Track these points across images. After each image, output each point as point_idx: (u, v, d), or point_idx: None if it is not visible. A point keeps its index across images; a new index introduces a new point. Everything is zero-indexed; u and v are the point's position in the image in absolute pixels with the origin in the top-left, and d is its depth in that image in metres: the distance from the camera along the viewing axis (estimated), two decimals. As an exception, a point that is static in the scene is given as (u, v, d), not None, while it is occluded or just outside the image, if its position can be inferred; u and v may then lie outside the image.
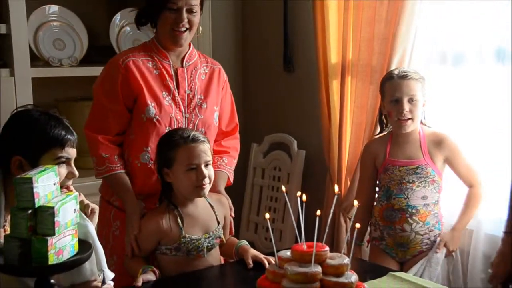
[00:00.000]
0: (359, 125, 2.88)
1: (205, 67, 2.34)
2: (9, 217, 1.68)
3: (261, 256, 2.07)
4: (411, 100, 2.40)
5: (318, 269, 1.62)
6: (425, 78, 2.46)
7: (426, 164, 2.42)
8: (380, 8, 2.70)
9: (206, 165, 2.02)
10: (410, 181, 2.42)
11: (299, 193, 1.75)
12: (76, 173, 1.76)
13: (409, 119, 2.40)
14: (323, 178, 3.15)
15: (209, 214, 2.09)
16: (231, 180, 2.35)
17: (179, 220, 2.02)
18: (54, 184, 1.55)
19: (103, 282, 1.79)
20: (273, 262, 1.89)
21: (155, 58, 2.24)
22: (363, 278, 1.77)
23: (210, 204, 2.11)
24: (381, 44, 2.72)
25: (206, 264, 2.05)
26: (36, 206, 1.47)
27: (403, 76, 2.42)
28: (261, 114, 3.71)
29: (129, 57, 2.21)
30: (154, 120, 2.18)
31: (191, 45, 2.32)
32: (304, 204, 1.69)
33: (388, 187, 2.46)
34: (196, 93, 2.27)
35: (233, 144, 2.44)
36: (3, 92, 2.71)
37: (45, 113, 1.74)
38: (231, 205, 2.24)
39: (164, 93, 2.21)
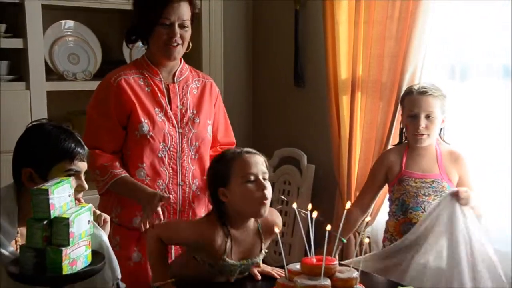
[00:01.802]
0: (368, 141, 2.89)
1: (196, 82, 2.36)
2: (19, 229, 1.72)
3: (268, 268, 2.07)
4: (428, 117, 2.42)
5: (328, 282, 1.64)
6: (446, 95, 2.47)
7: (442, 178, 2.44)
8: (390, 25, 2.73)
9: (264, 179, 1.91)
10: (426, 194, 2.42)
11: (310, 208, 1.77)
12: (86, 186, 1.78)
13: (424, 134, 2.42)
14: (332, 193, 3.16)
15: (255, 243, 2.00)
16: None
17: (228, 242, 1.93)
18: (69, 196, 1.58)
19: None
20: (282, 274, 1.91)
21: (146, 75, 2.26)
22: (371, 292, 1.79)
23: (259, 231, 2.00)
24: (391, 61, 2.74)
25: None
26: (52, 217, 1.50)
27: (422, 92, 2.44)
28: (271, 129, 3.73)
29: (120, 75, 2.23)
30: (148, 136, 2.20)
31: (182, 60, 2.35)
32: (314, 219, 1.71)
33: (403, 200, 2.47)
34: (188, 107, 2.29)
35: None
36: (19, 105, 2.75)
37: (57, 126, 1.78)
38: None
39: (156, 109, 2.23)
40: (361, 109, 2.93)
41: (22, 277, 1.50)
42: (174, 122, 2.26)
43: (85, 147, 1.78)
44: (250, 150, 1.94)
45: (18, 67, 2.85)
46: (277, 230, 1.87)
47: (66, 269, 1.50)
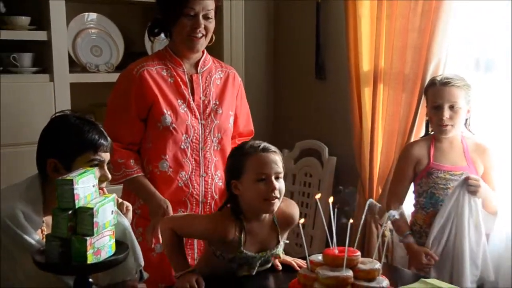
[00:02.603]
0: (391, 133, 2.88)
1: (220, 72, 2.36)
2: (45, 219, 1.74)
3: (289, 259, 2.07)
4: (452, 107, 2.41)
5: (350, 273, 1.64)
6: (470, 85, 2.46)
7: (470, 171, 2.43)
8: (413, 19, 2.70)
9: (277, 178, 1.90)
10: (461, 177, 2.40)
11: (331, 200, 1.77)
12: (109, 176, 1.80)
13: (448, 125, 2.41)
14: (354, 185, 3.16)
15: (272, 234, 1.99)
16: None
17: (242, 234, 1.92)
18: (93, 186, 1.60)
19: (141, 278, 1.84)
20: (304, 265, 1.92)
21: (170, 66, 2.26)
22: (394, 283, 1.78)
23: (275, 223, 1.99)
24: (414, 53, 2.72)
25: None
26: (76, 207, 1.52)
27: (445, 83, 2.43)
28: (292, 121, 3.73)
29: (143, 66, 2.23)
30: (171, 128, 2.21)
31: (205, 51, 2.35)
32: (335, 210, 1.71)
33: (433, 193, 2.46)
34: (211, 98, 2.29)
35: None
36: (42, 97, 2.78)
37: (81, 118, 1.80)
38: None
39: (179, 100, 2.24)
40: (383, 101, 2.92)
41: (48, 266, 1.52)
42: (197, 113, 2.27)
43: (108, 138, 1.80)
44: (268, 147, 1.93)
45: (42, 59, 2.88)
46: (301, 220, 1.87)
47: (91, 258, 1.52)
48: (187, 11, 2.18)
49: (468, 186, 2.34)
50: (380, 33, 2.86)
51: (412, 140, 2.72)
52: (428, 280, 1.93)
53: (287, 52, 3.73)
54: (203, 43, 2.25)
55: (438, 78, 2.49)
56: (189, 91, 2.27)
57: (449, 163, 2.46)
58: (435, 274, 2.38)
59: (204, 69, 2.32)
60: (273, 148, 1.93)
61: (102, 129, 1.80)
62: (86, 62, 3.06)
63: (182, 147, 2.25)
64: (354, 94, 3.04)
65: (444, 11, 2.57)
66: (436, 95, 2.46)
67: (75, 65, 3.06)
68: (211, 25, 2.24)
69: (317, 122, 3.54)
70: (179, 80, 2.26)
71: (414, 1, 2.69)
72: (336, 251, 1.69)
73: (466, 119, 2.49)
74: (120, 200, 1.89)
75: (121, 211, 1.84)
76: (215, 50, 3.21)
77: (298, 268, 2.01)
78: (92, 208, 1.52)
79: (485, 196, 2.40)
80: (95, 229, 1.52)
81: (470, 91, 2.45)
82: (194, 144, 2.27)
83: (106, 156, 1.79)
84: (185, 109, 2.25)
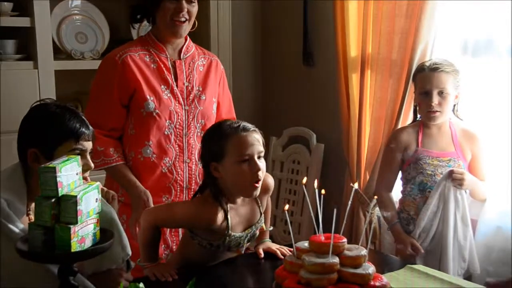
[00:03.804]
0: (378, 119, 2.87)
1: (202, 59, 2.36)
2: (31, 206, 1.72)
3: (274, 247, 2.07)
4: (440, 93, 2.40)
5: (336, 260, 1.63)
6: (459, 70, 2.45)
7: (458, 157, 2.43)
8: (400, 2, 2.69)
9: (259, 157, 1.86)
10: (443, 173, 2.40)
11: (316, 185, 1.76)
12: (92, 165, 1.78)
13: (437, 111, 2.40)
14: (342, 172, 3.16)
15: (253, 207, 1.98)
16: None
17: (228, 217, 1.89)
18: (77, 174, 1.58)
19: (128, 268, 1.83)
20: (287, 253, 1.91)
21: (152, 51, 2.25)
22: (380, 270, 1.78)
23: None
24: (401, 38, 2.71)
25: (235, 253, 2.01)
26: (60, 195, 1.50)
27: (434, 69, 2.42)
28: (280, 108, 3.72)
29: (125, 52, 2.22)
30: (154, 114, 2.20)
31: (187, 37, 2.34)
32: (322, 197, 1.70)
33: (421, 179, 2.45)
34: (194, 84, 2.29)
35: None
36: (26, 84, 2.75)
37: (62, 106, 1.77)
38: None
39: (162, 86, 2.23)
40: (370, 87, 2.91)
41: (31, 254, 1.51)
42: (180, 99, 2.26)
43: (90, 126, 1.77)
44: (247, 126, 1.88)
45: (26, 46, 2.84)
46: (286, 206, 1.86)
47: (75, 247, 1.50)
48: None
49: (453, 180, 2.35)
50: (367, 18, 2.84)
51: (399, 126, 2.71)
52: (414, 266, 1.94)
53: (274, 39, 3.70)
54: (186, 28, 2.24)
55: (427, 64, 2.48)
56: (172, 76, 2.26)
57: (437, 149, 2.46)
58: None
59: (187, 55, 2.32)
60: (252, 126, 1.89)
61: (83, 117, 1.77)
62: (71, 49, 3.02)
63: (166, 133, 2.24)
64: (341, 80, 3.03)
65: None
66: (424, 81, 2.45)
67: (59, 52, 3.02)
68: (194, 9, 2.23)
69: (305, 109, 3.53)
70: (162, 65, 2.25)
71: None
72: (322, 238, 1.68)
73: (454, 105, 2.49)
74: (106, 189, 1.87)
75: (107, 200, 1.82)
76: (201, 37, 3.19)
77: (281, 257, 2.01)
78: (75, 196, 1.50)
79: (472, 187, 2.41)
80: (79, 217, 1.50)
81: (458, 77, 2.45)
82: (177, 130, 2.26)
83: (88, 145, 1.76)
84: (169, 94, 2.24)
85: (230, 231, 1.90)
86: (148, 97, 2.20)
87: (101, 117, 2.21)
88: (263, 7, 3.74)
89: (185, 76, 2.28)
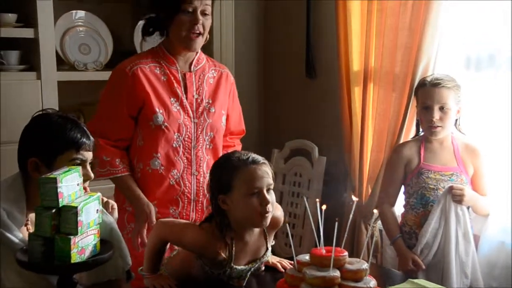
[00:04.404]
0: (380, 132, 2.87)
1: (213, 71, 2.35)
2: (30, 216, 1.72)
3: (275, 260, 2.06)
4: (441, 108, 2.40)
5: (337, 273, 1.63)
6: (460, 85, 2.45)
7: (460, 171, 2.43)
8: (404, 15, 2.69)
9: (268, 190, 1.81)
10: (446, 187, 2.39)
11: (318, 200, 1.76)
12: (92, 175, 1.78)
13: (438, 126, 2.40)
14: (343, 185, 3.15)
15: (261, 241, 1.94)
16: None
17: (233, 251, 1.85)
18: (78, 185, 1.58)
19: (128, 279, 1.82)
20: (288, 266, 1.90)
21: (163, 63, 2.25)
22: (382, 284, 1.77)
23: (264, 229, 1.93)
24: (404, 52, 2.71)
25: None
26: (60, 205, 1.50)
27: (435, 84, 2.42)
28: (282, 120, 3.72)
29: (136, 64, 2.21)
30: (163, 127, 2.20)
31: (199, 49, 2.33)
32: (323, 210, 1.70)
33: (423, 193, 2.44)
34: (204, 97, 2.28)
35: (237, 142, 2.49)
36: (29, 95, 2.76)
37: (63, 116, 1.77)
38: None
39: (172, 99, 2.23)
40: (373, 100, 2.91)
41: (31, 265, 1.50)
42: (190, 112, 2.26)
43: (91, 137, 1.77)
44: (257, 159, 1.83)
45: (29, 57, 2.86)
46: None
47: (75, 258, 1.50)
48: (185, 7, 2.15)
49: (453, 196, 2.34)
50: (370, 32, 2.85)
51: (402, 139, 2.71)
52: (415, 281, 1.92)
53: (277, 51, 3.71)
54: (200, 42, 2.23)
55: (428, 79, 2.48)
56: (182, 89, 2.26)
57: (439, 164, 2.46)
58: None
59: (198, 67, 2.31)
60: (262, 159, 1.85)
61: (84, 128, 1.77)
62: (74, 60, 3.03)
63: (174, 145, 2.24)
64: (344, 93, 3.03)
65: (434, 8, 2.56)
66: (426, 96, 2.45)
67: (63, 63, 3.03)
68: (208, 22, 2.22)
69: (307, 121, 3.53)
70: (172, 78, 2.25)
71: (404, -1, 2.68)
72: (323, 251, 1.67)
73: (456, 120, 2.49)
74: (106, 199, 1.87)
75: (106, 210, 1.82)
76: (204, 47, 3.20)
77: (282, 270, 2.00)
78: (76, 207, 1.50)
79: (473, 203, 2.41)
80: (79, 228, 1.50)
81: (460, 92, 2.45)
82: (186, 142, 2.26)
83: (88, 155, 1.76)
84: (178, 107, 2.24)
85: (232, 264, 1.88)
86: (157, 109, 2.19)
87: (109, 127, 2.22)
88: (266, 20, 3.76)
89: (195, 88, 2.28)
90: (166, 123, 2.20)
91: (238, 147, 2.48)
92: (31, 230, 1.72)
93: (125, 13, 3.34)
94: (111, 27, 3.20)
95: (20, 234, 1.67)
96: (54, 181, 1.49)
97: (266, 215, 1.80)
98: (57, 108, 2.59)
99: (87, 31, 3.12)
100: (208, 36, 2.27)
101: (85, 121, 2.97)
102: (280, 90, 3.74)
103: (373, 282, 1.65)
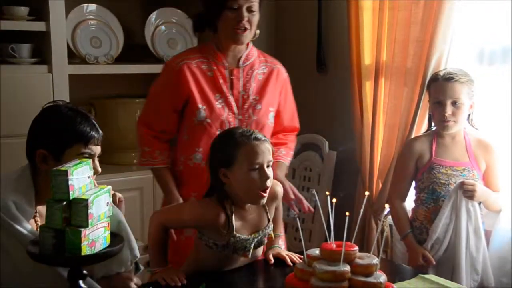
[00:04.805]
0: (392, 127, 2.85)
1: (264, 67, 2.36)
2: (38, 208, 1.73)
3: (284, 253, 2.07)
4: (454, 103, 2.38)
5: (347, 268, 1.62)
6: (473, 80, 2.43)
7: (472, 167, 2.41)
8: (416, 10, 2.67)
9: (268, 166, 1.89)
10: (457, 182, 2.38)
11: (328, 193, 1.76)
12: (99, 169, 1.78)
13: (451, 121, 2.39)
14: (354, 180, 3.14)
15: (261, 213, 1.99)
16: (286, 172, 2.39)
17: (233, 218, 1.91)
18: (88, 177, 1.58)
19: (137, 270, 1.83)
20: (298, 260, 1.90)
21: (211, 60, 2.28)
22: (392, 279, 1.76)
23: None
24: (417, 47, 2.69)
25: (246, 260, 2.00)
26: (71, 198, 1.51)
27: (448, 79, 2.40)
28: (293, 115, 3.70)
29: (183, 60, 2.25)
30: (205, 123, 2.23)
31: (250, 44, 2.34)
32: (334, 204, 1.69)
33: (434, 188, 2.43)
34: (250, 94, 2.29)
35: (291, 139, 2.48)
36: (41, 88, 2.77)
37: (73, 109, 1.77)
38: (300, 196, 2.26)
39: (216, 95, 2.25)
40: (384, 95, 2.89)
41: (41, 257, 1.51)
42: (234, 108, 2.27)
43: (100, 130, 1.78)
44: (259, 136, 1.90)
45: (41, 50, 2.87)
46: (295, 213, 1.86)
47: (85, 250, 1.50)
48: (230, 4, 2.17)
49: (464, 191, 2.33)
50: (382, 26, 2.83)
51: (413, 135, 2.70)
52: (426, 276, 1.92)
53: (288, 45, 3.70)
54: (247, 35, 2.24)
55: (441, 73, 2.46)
56: (228, 85, 2.28)
57: (451, 159, 2.44)
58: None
59: (247, 63, 2.32)
60: (263, 137, 1.92)
61: (94, 121, 1.77)
62: (85, 53, 3.04)
63: None
64: (355, 88, 3.01)
65: (447, 2, 2.54)
66: (438, 91, 2.44)
67: (74, 57, 3.04)
68: (255, 18, 2.23)
69: (318, 116, 3.52)
70: (218, 74, 2.27)
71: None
72: (334, 246, 1.67)
73: (469, 114, 2.47)
74: (113, 192, 1.87)
75: (113, 203, 1.82)
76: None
77: (290, 263, 2.00)
78: (86, 200, 1.51)
79: (485, 198, 2.39)
80: (89, 221, 1.51)
81: (473, 86, 2.43)
82: None
83: (96, 149, 1.76)
84: (222, 103, 2.26)
85: (234, 232, 1.91)
86: (200, 106, 2.23)
87: (152, 118, 2.29)
88: (277, 14, 3.74)
89: (241, 85, 2.29)
90: (208, 119, 2.23)
91: (292, 144, 2.47)
92: (39, 222, 1.73)
93: (136, 6, 3.35)
94: (122, 20, 3.21)
95: (29, 225, 1.68)
96: (65, 173, 1.50)
97: (263, 193, 1.87)
98: (68, 101, 2.60)
99: (98, 24, 3.13)
100: (258, 32, 2.29)
101: (95, 114, 2.98)
102: (291, 84, 3.71)
103: (383, 277, 1.65)
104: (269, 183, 1.88)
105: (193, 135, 2.26)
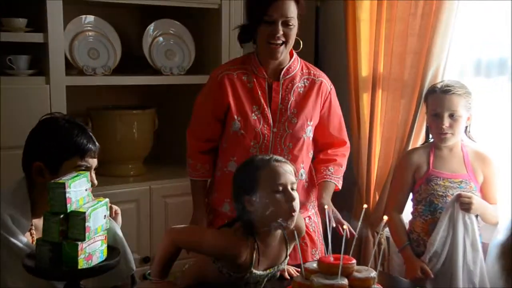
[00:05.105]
0: (389, 139, 2.86)
1: (305, 80, 2.36)
2: (34, 221, 1.72)
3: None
4: (452, 116, 2.39)
5: (345, 281, 1.62)
6: (471, 92, 2.44)
7: (469, 179, 2.41)
8: (413, 22, 2.69)
9: (292, 189, 1.83)
10: (455, 194, 2.38)
11: (327, 207, 1.75)
12: (95, 182, 1.78)
13: (448, 133, 2.39)
14: (351, 192, 3.13)
15: (281, 247, 1.93)
16: (340, 187, 2.39)
17: (254, 254, 1.85)
18: (86, 190, 1.58)
19: (133, 284, 1.82)
20: (297, 273, 1.90)
21: (251, 71, 2.31)
22: (390, 292, 1.76)
23: (285, 237, 1.92)
24: (414, 59, 2.70)
25: None
26: (68, 211, 1.50)
27: (445, 91, 2.41)
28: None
29: (224, 71, 2.32)
30: (239, 133, 2.27)
31: (294, 55, 2.36)
32: (332, 217, 1.69)
33: (431, 200, 2.43)
34: (289, 107, 2.30)
35: (341, 151, 2.45)
36: (38, 100, 2.76)
37: (71, 121, 1.77)
38: (341, 220, 2.16)
39: (254, 107, 2.28)
40: (381, 107, 2.90)
41: (38, 270, 1.50)
42: (270, 121, 2.28)
43: (97, 143, 1.77)
44: (280, 158, 1.89)
45: (38, 62, 2.86)
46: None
47: (82, 264, 1.50)
48: (266, 18, 2.20)
49: (461, 204, 2.33)
50: (379, 37, 2.85)
51: (410, 146, 2.70)
52: (424, 289, 1.91)
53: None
54: (282, 50, 2.25)
55: (439, 86, 2.47)
56: (267, 98, 2.30)
57: (448, 171, 2.45)
58: (431, 289, 2.36)
59: (287, 77, 2.33)
60: (283, 159, 1.90)
61: (90, 133, 1.77)
62: (83, 65, 3.03)
63: (251, 151, 2.28)
64: (352, 99, 3.02)
65: (444, 13, 2.55)
66: (436, 103, 2.44)
67: (71, 68, 3.03)
68: (292, 32, 2.25)
69: (315, 127, 3.52)
70: (257, 86, 2.30)
71: (414, 2, 2.67)
72: (332, 259, 1.67)
73: (467, 127, 2.47)
74: (109, 204, 1.87)
75: (110, 215, 1.82)
76: (211, 53, 3.20)
77: (288, 277, 1.99)
78: (84, 213, 1.50)
79: (482, 211, 2.39)
80: (87, 234, 1.51)
81: (470, 98, 2.43)
82: (263, 150, 2.28)
83: (93, 162, 1.76)
84: (259, 115, 2.28)
85: (252, 268, 1.86)
86: (236, 117, 2.27)
87: (197, 128, 2.39)
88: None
89: (280, 98, 2.30)
90: (242, 130, 2.27)
91: (342, 160, 2.43)
92: (35, 235, 1.72)
93: (134, 18, 3.34)
94: (120, 32, 3.20)
95: (25, 238, 1.67)
96: (63, 186, 1.50)
97: (293, 213, 1.80)
98: (65, 113, 2.59)
99: (96, 36, 3.12)
100: (301, 43, 2.34)
101: (92, 126, 2.97)
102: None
103: (381, 290, 1.64)
104: (295, 205, 1.81)
105: (230, 144, 2.32)
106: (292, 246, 1.97)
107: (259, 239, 1.86)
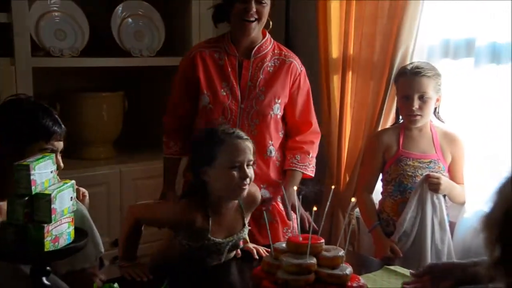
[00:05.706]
0: (359, 121, 2.87)
1: (276, 60, 2.40)
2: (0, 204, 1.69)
3: (251, 246, 2.08)
4: (421, 97, 2.40)
5: (313, 260, 1.63)
6: (440, 74, 2.46)
7: (438, 159, 2.44)
8: (383, 3, 2.69)
9: (248, 165, 1.92)
10: (423, 174, 2.40)
11: (295, 188, 1.76)
12: (62, 165, 1.76)
13: (418, 115, 2.41)
14: (322, 173, 3.14)
15: (237, 217, 2.02)
16: (311, 174, 2.42)
17: (210, 221, 1.93)
18: (51, 172, 1.56)
19: (101, 266, 1.81)
20: (266, 253, 1.91)
21: (224, 49, 2.37)
22: (358, 271, 1.78)
23: (241, 206, 2.02)
24: (383, 40, 2.71)
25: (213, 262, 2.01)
26: (33, 193, 1.48)
27: (415, 73, 2.42)
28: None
29: (197, 49, 2.40)
30: (207, 108, 2.32)
31: (267, 35, 2.41)
32: (301, 197, 1.70)
33: (401, 180, 2.45)
34: (257, 85, 2.34)
35: (309, 138, 2.46)
36: (3, 82, 2.70)
37: (35, 103, 1.74)
38: (305, 216, 2.17)
39: (223, 83, 2.34)
40: (352, 88, 2.91)
41: (2, 254, 1.48)
42: (239, 97, 2.33)
43: (62, 125, 1.74)
44: (241, 134, 1.95)
45: (3, 43, 2.79)
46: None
47: (48, 246, 1.48)
48: None
49: (429, 184, 2.35)
50: (349, 19, 2.85)
51: (380, 128, 2.72)
52: (392, 268, 1.94)
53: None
54: (255, 27, 2.31)
55: (408, 67, 2.48)
56: (237, 75, 2.35)
57: (418, 151, 2.47)
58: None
59: (258, 55, 2.38)
60: (245, 136, 1.95)
61: (56, 116, 1.74)
62: (50, 46, 2.97)
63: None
64: (323, 81, 3.02)
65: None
66: (405, 85, 2.45)
67: (38, 49, 2.97)
68: (265, 9, 2.30)
69: (286, 109, 3.52)
70: (228, 63, 2.36)
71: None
72: (300, 239, 1.68)
73: (436, 108, 2.49)
74: (76, 187, 1.84)
75: (77, 198, 1.79)
76: (181, 34, 3.17)
77: (256, 257, 2.02)
78: (49, 195, 1.48)
79: (449, 191, 2.42)
80: (52, 216, 1.48)
81: (440, 80, 2.45)
82: (230, 125, 2.27)
83: (59, 144, 1.73)
84: (227, 91, 2.33)
85: (209, 235, 1.90)
86: (205, 91, 2.33)
87: (171, 105, 2.43)
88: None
89: (250, 75, 2.35)
90: (210, 105, 2.32)
91: (309, 147, 2.44)
92: (0, 218, 1.69)
93: (101, -2, 3.29)
94: (87, 12, 3.15)
95: None
96: (27, 168, 1.47)
97: (244, 187, 1.89)
98: (32, 95, 2.54)
99: (63, 16, 3.06)
100: (271, 23, 2.40)
101: (61, 108, 2.92)
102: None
103: (349, 269, 1.66)
104: (247, 181, 1.90)
105: (199, 119, 2.37)
106: (249, 214, 2.04)
107: (212, 208, 1.93)
